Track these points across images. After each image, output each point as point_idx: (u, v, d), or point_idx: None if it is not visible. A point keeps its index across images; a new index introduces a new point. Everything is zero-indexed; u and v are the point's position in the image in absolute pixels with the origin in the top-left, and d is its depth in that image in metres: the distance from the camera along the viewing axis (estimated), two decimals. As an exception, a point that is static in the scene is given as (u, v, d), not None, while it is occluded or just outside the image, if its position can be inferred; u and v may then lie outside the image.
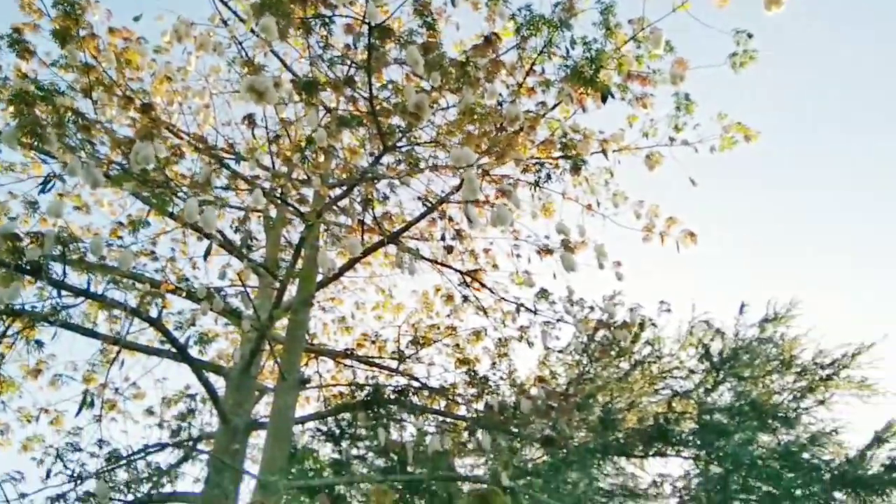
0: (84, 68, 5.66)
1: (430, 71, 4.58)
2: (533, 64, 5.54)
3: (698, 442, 6.38)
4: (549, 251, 6.11)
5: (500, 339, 7.83)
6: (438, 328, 8.26)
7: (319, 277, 6.94)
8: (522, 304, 7.34)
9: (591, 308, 6.99)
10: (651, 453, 6.59)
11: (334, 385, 8.34)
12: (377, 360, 8.13)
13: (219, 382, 6.78)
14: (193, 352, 6.36)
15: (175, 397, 7.68)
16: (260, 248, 7.76)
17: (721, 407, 6.53)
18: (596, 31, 5.37)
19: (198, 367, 6.09)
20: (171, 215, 6.57)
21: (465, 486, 6.74)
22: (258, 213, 7.60)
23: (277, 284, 6.51)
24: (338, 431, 7.42)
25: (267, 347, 6.72)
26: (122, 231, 6.51)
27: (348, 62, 5.66)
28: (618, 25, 5.39)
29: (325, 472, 6.99)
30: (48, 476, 5.97)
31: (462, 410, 7.33)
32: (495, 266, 7.62)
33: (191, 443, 6.95)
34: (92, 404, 6.71)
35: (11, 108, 4.59)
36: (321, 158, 5.92)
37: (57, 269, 5.38)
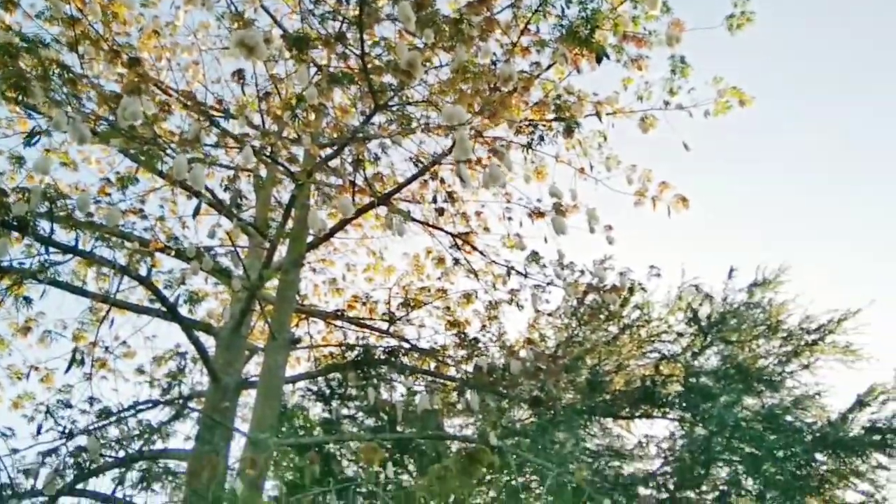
0: (69, 21, 5.52)
1: (423, 28, 4.49)
2: (528, 23, 5.45)
3: (684, 404, 6.48)
4: (540, 214, 6.10)
5: (490, 302, 7.86)
6: (429, 291, 8.28)
7: (310, 238, 6.92)
8: (513, 268, 7.34)
9: (582, 272, 7.01)
10: (637, 415, 6.69)
11: (325, 346, 8.38)
12: (368, 322, 8.15)
13: (209, 342, 6.80)
14: (183, 311, 6.36)
15: (166, 356, 7.69)
16: (250, 208, 7.71)
17: (707, 370, 6.62)
18: (592, -10, 5.28)
19: (188, 326, 6.09)
20: (160, 173, 6.49)
21: (454, 446, 6.83)
22: (248, 173, 7.53)
23: (267, 244, 6.49)
24: (328, 391, 7.49)
25: (257, 307, 6.72)
26: (111, 188, 6.45)
27: (340, 18, 5.56)
28: (614, -16, 5.31)
29: (315, 431, 7.07)
30: (39, 432, 5.99)
31: (452, 372, 7.40)
32: (487, 229, 7.61)
33: (181, 401, 6.98)
34: (82, 362, 6.72)
35: (-5, 61, 4.48)
36: (312, 117, 5.84)
37: (44, 225, 5.34)
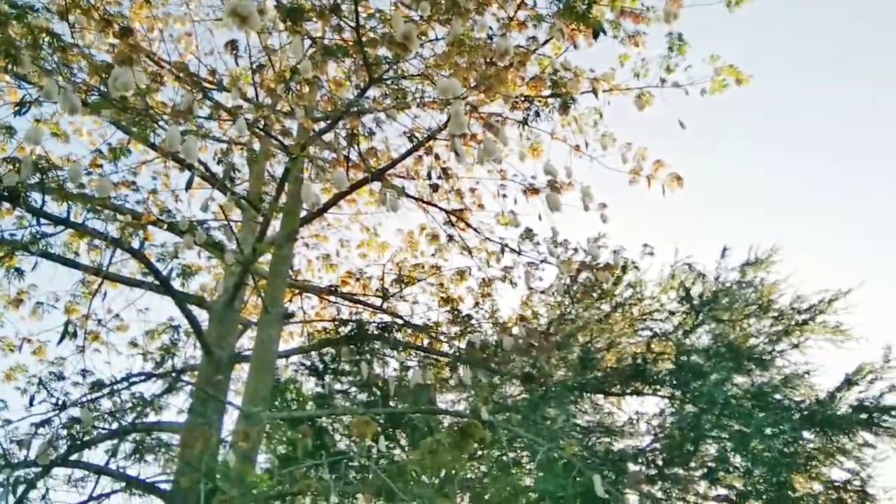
0: (59, -12, 5.43)
1: (419, 0, 4.44)
2: (525, -3, 5.40)
3: (674, 382, 6.53)
4: (535, 191, 6.09)
5: (483, 279, 7.87)
6: (423, 267, 8.28)
7: (304, 213, 6.90)
8: (507, 245, 7.35)
9: (575, 250, 7.02)
10: (628, 392, 6.75)
11: (318, 321, 8.39)
12: (361, 298, 8.16)
13: (202, 315, 6.80)
14: (176, 284, 6.35)
15: (159, 329, 7.69)
16: (243, 182, 7.67)
17: (698, 348, 6.66)
18: (590, -37, 5.22)
19: (181, 299, 6.08)
20: (152, 145, 6.44)
21: (446, 421, 6.88)
22: (241, 147, 7.48)
23: (261, 219, 6.46)
24: (321, 366, 7.51)
25: (250, 281, 6.72)
26: (102, 160, 6.39)
27: (335, -11, 5.48)
28: (613, -41, 5.26)
29: (308, 405, 7.10)
30: (31, 403, 6.02)
31: (444, 348, 7.43)
32: (481, 206, 7.59)
33: (174, 374, 7.00)
34: (74, 335, 6.73)
35: (-17, 28, 4.41)
36: (306, 90, 5.78)
37: (35, 197, 5.30)
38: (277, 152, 7.39)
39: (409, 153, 6.48)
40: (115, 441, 6.06)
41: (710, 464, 6.33)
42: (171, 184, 7.88)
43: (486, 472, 6.95)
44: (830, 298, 6.65)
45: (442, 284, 8.19)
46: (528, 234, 7.10)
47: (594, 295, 7.25)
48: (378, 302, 7.98)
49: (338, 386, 7.56)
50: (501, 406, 6.88)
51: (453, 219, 7.37)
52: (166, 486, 5.85)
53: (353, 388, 7.63)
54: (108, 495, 5.92)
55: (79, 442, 5.66)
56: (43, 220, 5.58)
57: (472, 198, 7.67)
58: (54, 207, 5.55)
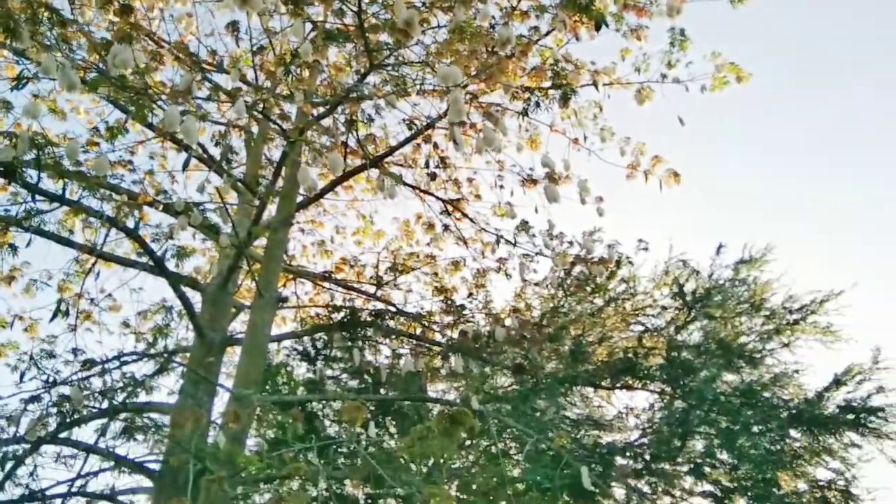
0: (59, -37, 5.38)
1: (422, -13, 4.43)
2: (528, -14, 5.38)
3: (665, 377, 6.56)
4: (532, 181, 6.09)
5: (478, 270, 7.89)
6: (418, 256, 8.29)
7: (300, 198, 6.89)
8: (502, 236, 7.37)
9: (571, 243, 7.04)
10: (618, 386, 6.77)
11: (311, 306, 8.40)
12: (355, 285, 8.17)
13: (195, 297, 6.79)
14: (170, 266, 6.34)
15: (151, 310, 7.68)
16: (240, 165, 7.64)
17: (690, 345, 6.69)
18: (594, -45, 5.20)
19: (174, 280, 6.08)
20: (150, 126, 6.43)
21: (436, 410, 6.90)
22: (239, 130, 7.45)
23: (257, 202, 6.45)
24: (313, 351, 7.52)
25: (245, 265, 6.71)
26: (99, 139, 6.36)
27: (338, -27, 5.45)
28: (617, -49, 5.24)
29: (299, 390, 7.11)
30: (22, 379, 6.01)
31: (437, 337, 7.45)
32: (478, 196, 7.60)
33: (166, 355, 6.99)
34: (67, 313, 6.71)
35: (-19, 1, 4.38)
36: (306, 74, 5.77)
37: (31, 173, 5.27)
38: (276, 136, 7.38)
39: (407, 141, 6.47)
40: (105, 420, 6.06)
41: (696, 460, 6.36)
42: (168, 165, 7.87)
43: (474, 462, 6.98)
44: (822, 299, 6.68)
45: (436, 274, 8.21)
46: (524, 225, 7.11)
47: (588, 289, 7.27)
48: (372, 289, 8.00)
49: (329, 372, 7.57)
50: (492, 396, 6.91)
51: (450, 208, 7.38)
52: (155, 466, 5.87)
53: (345, 375, 7.64)
54: (96, 473, 5.93)
55: (68, 420, 5.66)
56: (38, 197, 5.56)
57: (469, 188, 7.68)
58: (50, 185, 5.54)
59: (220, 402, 6.33)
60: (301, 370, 7.76)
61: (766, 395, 6.34)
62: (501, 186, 7.03)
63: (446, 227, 7.80)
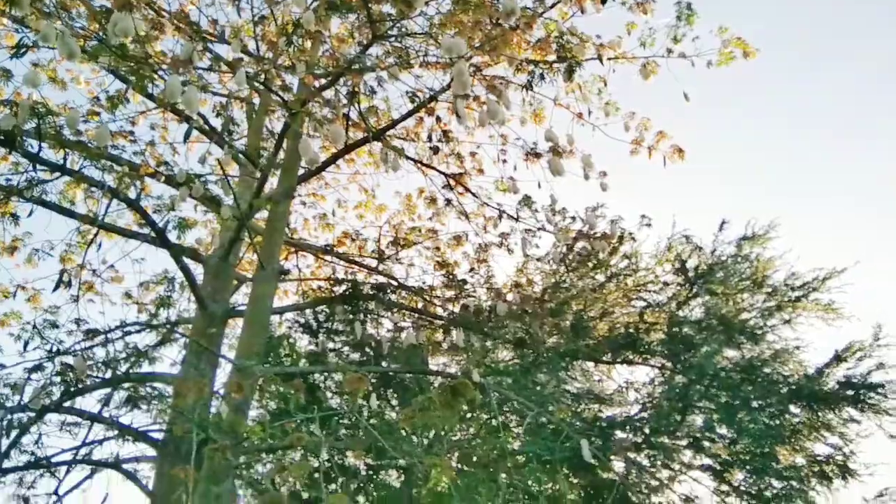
0: (58, -71, 5.30)
1: (426, -45, 4.36)
2: (534, -43, 5.30)
3: (666, 352, 6.59)
4: (536, 155, 6.04)
5: (480, 245, 7.87)
6: (419, 231, 8.27)
7: (302, 171, 6.86)
8: (505, 211, 7.33)
9: (573, 218, 7.01)
10: (619, 360, 6.80)
11: (313, 279, 8.40)
12: (357, 259, 8.17)
13: (197, 270, 6.80)
14: (172, 237, 6.33)
15: (153, 281, 7.68)
16: (242, 137, 7.60)
17: (691, 320, 6.70)
18: (602, -75, 5.12)
19: (176, 252, 6.07)
20: (151, 96, 6.37)
21: (437, 382, 6.95)
22: (240, 101, 7.40)
23: (258, 174, 6.42)
24: (315, 324, 7.55)
25: (246, 237, 6.70)
26: (100, 110, 6.32)
27: (341, -58, 5.38)
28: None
29: (301, 362, 7.15)
30: (25, 348, 6.04)
31: (439, 311, 7.46)
32: (481, 171, 7.54)
33: (168, 326, 7.01)
34: (69, 284, 6.72)
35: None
36: (308, 45, 5.71)
37: (32, 142, 5.25)
38: (277, 108, 7.32)
39: (410, 114, 6.42)
40: (109, 389, 6.11)
41: (696, 434, 6.41)
42: (169, 136, 7.82)
43: (475, 434, 7.04)
44: (824, 277, 6.69)
45: (438, 248, 8.19)
46: (527, 200, 7.07)
47: (590, 264, 7.26)
48: (373, 263, 7.99)
49: (331, 345, 7.61)
50: (493, 370, 6.95)
51: (452, 183, 7.34)
52: (158, 436, 5.92)
53: (346, 348, 7.68)
54: (100, 442, 5.99)
55: (72, 389, 5.69)
56: (39, 167, 5.54)
57: (472, 162, 7.62)
58: (51, 155, 5.51)
59: (223, 373, 6.37)
60: (303, 343, 7.81)
61: (767, 370, 6.37)
62: (504, 161, 6.98)
63: (448, 202, 7.76)
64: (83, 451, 5.97)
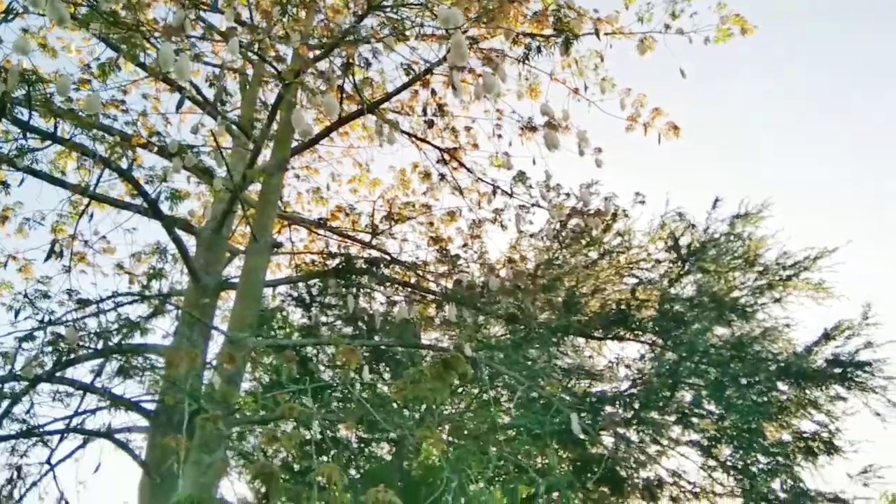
0: None
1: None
2: (532, -72, 5.23)
3: (656, 329, 6.63)
4: (532, 129, 6.02)
5: (473, 221, 7.86)
6: (413, 206, 8.25)
7: (295, 143, 6.81)
8: (499, 187, 7.31)
9: (567, 195, 7.01)
10: (610, 337, 6.85)
11: (306, 253, 8.39)
12: (350, 233, 8.15)
13: (190, 242, 6.77)
14: (164, 208, 6.29)
15: (146, 252, 7.64)
16: (235, 109, 7.53)
17: (682, 298, 6.74)
18: None
19: (169, 223, 6.05)
20: (142, 65, 6.30)
21: (429, 357, 6.98)
22: (234, 72, 7.32)
23: (251, 146, 6.37)
24: (307, 297, 7.55)
25: (239, 209, 6.68)
26: (91, 78, 6.24)
27: None
28: None
29: (294, 335, 7.16)
30: (17, 316, 6.02)
31: (431, 286, 7.47)
32: (475, 146, 7.51)
33: (161, 297, 7.00)
34: (61, 254, 6.70)
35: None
36: (302, 15, 5.63)
37: (22, 110, 5.19)
38: (271, 78, 7.25)
39: (405, 86, 6.36)
40: (101, 360, 6.11)
41: (685, 410, 6.48)
42: (162, 107, 7.74)
43: (466, 408, 7.10)
44: (816, 256, 6.72)
45: (432, 224, 8.18)
46: (521, 176, 7.06)
47: (583, 241, 7.27)
48: (367, 238, 7.97)
49: (324, 318, 7.62)
50: (485, 345, 6.98)
51: (447, 157, 7.31)
52: (151, 406, 5.94)
53: (339, 322, 7.70)
54: (93, 412, 6.01)
55: (64, 359, 5.69)
56: (29, 135, 5.48)
57: (466, 137, 7.59)
58: (41, 124, 5.45)
59: (215, 345, 6.37)
60: (296, 316, 7.82)
61: (756, 348, 6.42)
62: (500, 136, 6.95)
63: (443, 177, 7.73)
64: (76, 420, 5.99)
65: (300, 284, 7.43)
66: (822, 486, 6.00)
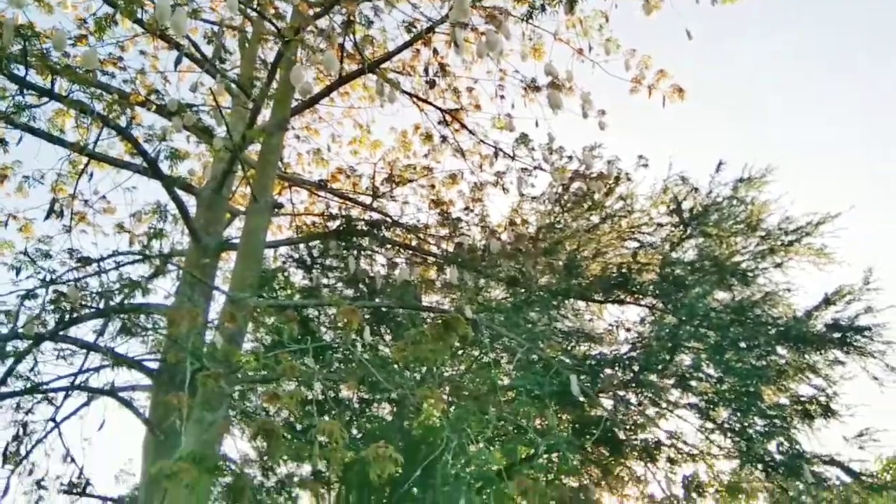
0: None
1: None
2: None
3: (657, 292, 6.63)
4: (535, 89, 5.94)
5: (475, 184, 7.81)
6: (415, 168, 8.19)
7: (295, 103, 6.73)
8: (501, 149, 7.24)
9: (570, 158, 6.95)
10: (610, 300, 6.85)
11: (307, 214, 8.36)
12: (351, 195, 8.11)
13: (190, 202, 6.74)
14: (164, 168, 6.24)
15: (146, 211, 7.60)
16: (234, 67, 7.43)
17: (684, 261, 6.72)
18: None
19: (168, 182, 6.00)
20: (140, 21, 6.19)
21: (430, 319, 7.00)
22: (233, 29, 7.20)
23: (251, 105, 6.29)
24: (308, 259, 7.54)
25: (239, 169, 6.63)
26: (88, 34, 6.13)
27: None
28: None
29: (296, 296, 7.17)
30: (18, 274, 6.03)
31: (433, 249, 7.46)
32: (478, 107, 7.42)
33: (161, 257, 6.99)
34: (61, 213, 6.67)
35: None
36: (302, -31, 5.50)
37: (18, 66, 5.10)
38: (270, 36, 7.13)
39: (407, 45, 6.27)
40: (103, 319, 6.13)
41: (684, 373, 6.52)
42: (160, 65, 7.64)
43: (466, 370, 7.14)
44: (818, 221, 6.68)
45: (433, 186, 8.13)
46: (524, 139, 6.98)
47: (585, 205, 7.23)
48: (368, 200, 7.94)
49: (325, 280, 7.63)
50: (485, 307, 6.99)
51: (448, 118, 7.22)
52: (153, 365, 5.98)
53: (340, 284, 7.70)
54: (96, 370, 6.05)
55: (67, 318, 5.71)
56: (27, 92, 5.40)
57: (468, 98, 7.50)
58: (39, 81, 5.37)
59: (216, 305, 6.39)
60: (297, 277, 7.82)
61: (756, 312, 6.43)
62: (502, 97, 6.86)
63: (444, 139, 7.66)
64: (80, 378, 6.04)
65: (301, 246, 7.42)
66: (819, 449, 6.08)
